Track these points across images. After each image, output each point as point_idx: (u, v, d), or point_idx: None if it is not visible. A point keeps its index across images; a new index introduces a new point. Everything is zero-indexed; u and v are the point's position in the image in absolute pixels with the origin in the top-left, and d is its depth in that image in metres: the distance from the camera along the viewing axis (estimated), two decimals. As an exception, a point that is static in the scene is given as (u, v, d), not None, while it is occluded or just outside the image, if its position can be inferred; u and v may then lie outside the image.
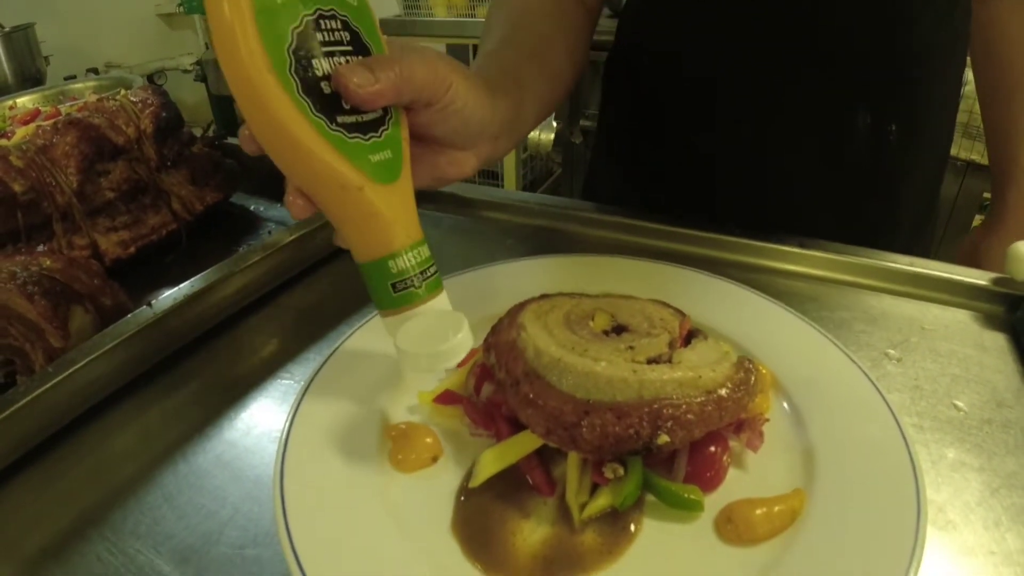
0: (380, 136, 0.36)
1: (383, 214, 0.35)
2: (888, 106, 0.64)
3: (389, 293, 0.36)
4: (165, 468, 0.43)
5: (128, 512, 0.40)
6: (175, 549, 0.38)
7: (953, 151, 1.67)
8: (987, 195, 1.58)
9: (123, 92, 0.70)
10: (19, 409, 0.42)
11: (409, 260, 0.36)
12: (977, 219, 1.59)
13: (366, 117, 0.36)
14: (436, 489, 0.39)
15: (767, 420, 0.41)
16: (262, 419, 0.47)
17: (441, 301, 0.38)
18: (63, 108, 0.71)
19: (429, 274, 0.37)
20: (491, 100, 0.44)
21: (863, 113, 0.64)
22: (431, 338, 0.35)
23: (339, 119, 0.34)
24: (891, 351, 0.51)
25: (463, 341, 0.36)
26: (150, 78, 2.44)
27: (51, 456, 0.44)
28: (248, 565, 0.36)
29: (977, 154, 1.60)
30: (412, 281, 0.36)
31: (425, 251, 0.37)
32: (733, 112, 0.67)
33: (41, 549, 0.38)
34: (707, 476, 0.38)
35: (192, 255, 0.67)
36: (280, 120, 0.32)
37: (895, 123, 0.65)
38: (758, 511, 0.36)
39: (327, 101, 0.34)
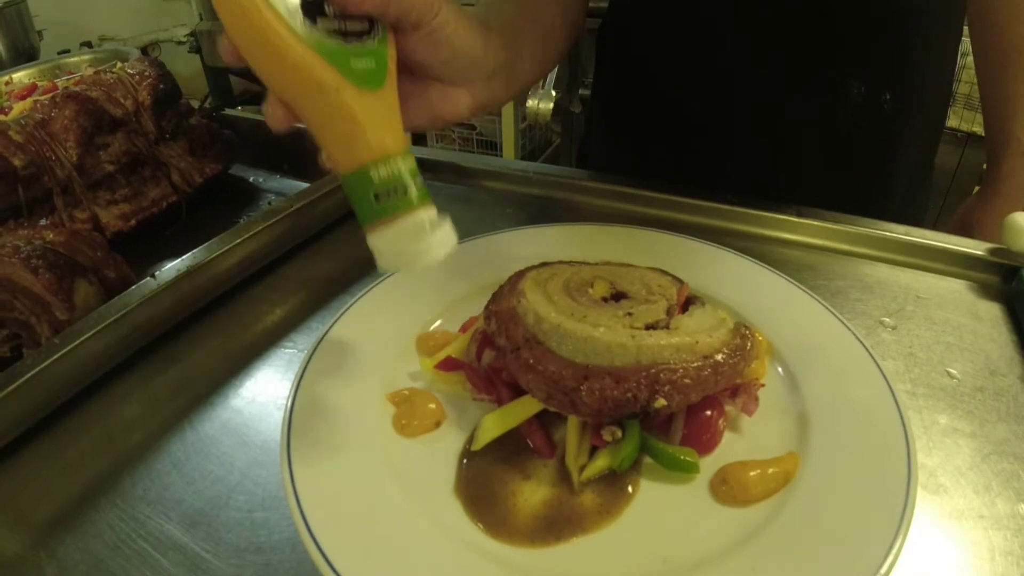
0: (363, 46, 0.34)
1: (360, 118, 0.34)
2: (882, 74, 0.64)
3: (371, 204, 0.34)
4: (173, 436, 0.44)
5: (137, 479, 0.41)
6: (185, 514, 0.38)
7: (954, 123, 1.66)
8: (986, 166, 1.57)
9: (120, 65, 0.69)
10: (27, 381, 0.42)
11: (392, 168, 0.34)
12: (977, 191, 1.59)
13: (350, 27, 0.34)
14: (439, 453, 0.40)
15: (763, 385, 0.42)
16: (267, 387, 0.47)
17: (428, 212, 0.35)
18: (60, 82, 0.71)
19: (417, 185, 0.35)
20: (483, 34, 0.43)
21: (857, 81, 0.63)
22: (410, 237, 0.35)
23: (320, 23, 0.33)
24: (886, 319, 0.51)
25: (444, 237, 0.35)
26: (144, 51, 2.41)
27: (60, 427, 0.45)
28: (256, 528, 0.37)
29: (978, 126, 1.59)
30: (396, 190, 0.34)
31: (411, 161, 0.35)
32: (724, 79, 0.67)
33: (53, 518, 0.39)
34: (703, 439, 0.39)
35: (193, 227, 0.67)
36: (257, 18, 0.32)
37: (889, 92, 0.64)
38: (752, 473, 0.37)
39: (308, 3, 0.33)
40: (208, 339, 0.53)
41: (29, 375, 0.43)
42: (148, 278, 0.50)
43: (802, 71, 0.64)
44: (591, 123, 0.87)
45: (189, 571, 0.35)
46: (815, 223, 0.61)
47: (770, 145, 0.69)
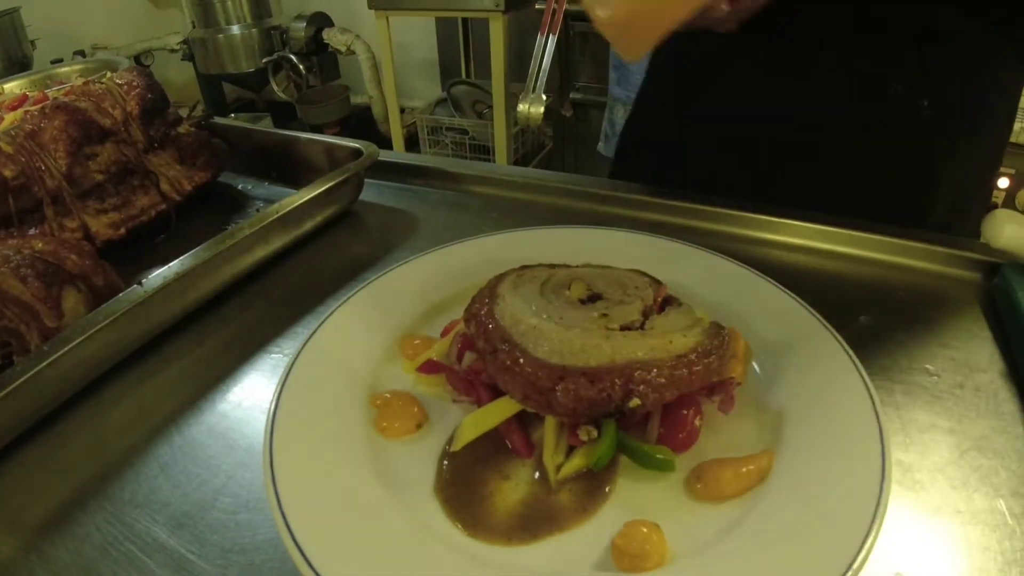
0: None
1: None
2: (920, 77, 0.64)
3: None
4: (160, 440, 0.44)
5: (125, 483, 0.42)
6: (171, 516, 0.39)
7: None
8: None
9: (108, 75, 0.70)
10: (17, 388, 0.43)
11: None
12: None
13: None
14: (420, 454, 0.41)
15: (739, 384, 0.42)
16: (252, 391, 0.48)
17: None
18: (50, 92, 0.71)
19: None
20: None
21: (894, 83, 0.64)
22: None
23: None
24: (865, 317, 0.52)
25: None
26: (137, 59, 2.42)
27: (50, 432, 0.46)
28: (241, 529, 0.38)
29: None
30: None
31: None
32: (756, 80, 0.67)
33: (43, 521, 0.40)
34: (679, 437, 0.39)
35: (182, 234, 0.68)
36: None
37: (928, 99, 0.64)
38: (727, 471, 0.37)
39: None
40: (195, 345, 0.53)
41: (19, 382, 0.43)
42: (135, 285, 0.50)
43: (840, 68, 0.64)
44: (632, 124, 0.87)
45: (175, 572, 0.36)
46: (797, 223, 0.62)
47: (805, 148, 0.68)
